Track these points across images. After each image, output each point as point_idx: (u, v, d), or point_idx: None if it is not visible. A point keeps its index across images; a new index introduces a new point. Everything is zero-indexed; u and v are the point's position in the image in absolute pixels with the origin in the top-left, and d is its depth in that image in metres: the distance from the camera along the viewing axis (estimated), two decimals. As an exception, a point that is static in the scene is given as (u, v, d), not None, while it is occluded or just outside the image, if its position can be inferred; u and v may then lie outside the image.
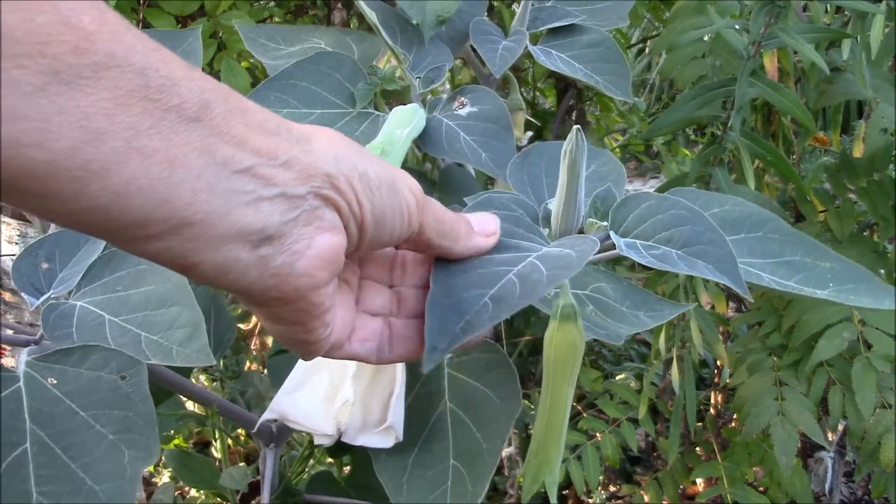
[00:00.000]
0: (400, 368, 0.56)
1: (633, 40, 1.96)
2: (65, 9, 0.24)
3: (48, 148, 0.24)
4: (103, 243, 0.60)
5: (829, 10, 0.90)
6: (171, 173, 0.26)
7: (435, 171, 0.83)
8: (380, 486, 0.81)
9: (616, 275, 0.68)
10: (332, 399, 0.55)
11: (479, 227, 0.41)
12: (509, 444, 1.24)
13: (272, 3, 1.34)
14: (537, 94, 1.95)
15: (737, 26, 0.83)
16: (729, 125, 0.84)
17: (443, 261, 0.40)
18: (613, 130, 1.97)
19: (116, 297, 0.57)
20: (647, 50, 2.10)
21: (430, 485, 0.55)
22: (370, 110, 0.68)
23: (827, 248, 0.43)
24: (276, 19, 1.34)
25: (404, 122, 0.58)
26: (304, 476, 0.87)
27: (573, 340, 0.42)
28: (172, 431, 1.26)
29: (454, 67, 1.22)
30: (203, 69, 1.24)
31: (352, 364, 0.54)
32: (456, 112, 0.68)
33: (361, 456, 0.87)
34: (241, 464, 1.28)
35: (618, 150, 1.94)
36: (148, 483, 1.35)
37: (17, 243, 1.32)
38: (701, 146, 0.98)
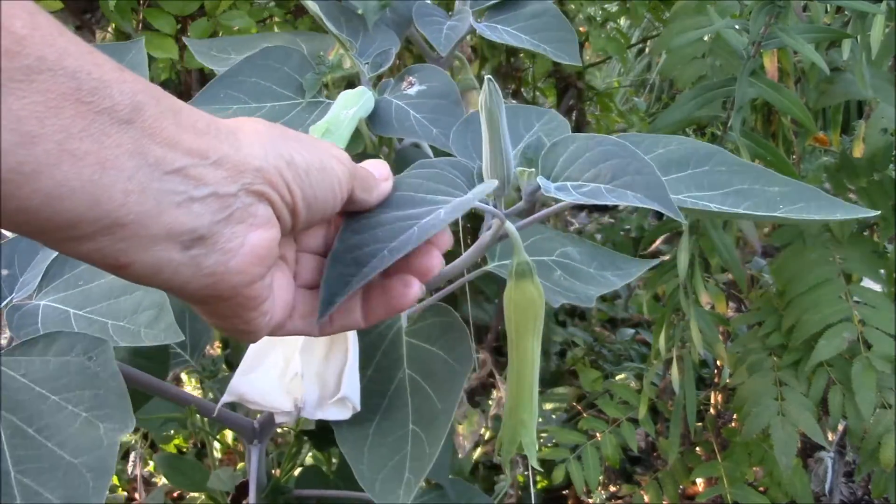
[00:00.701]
0: (352, 340, 0.56)
1: (633, 40, 1.97)
2: None
3: None
4: None
5: (829, 10, 0.90)
6: (103, 175, 0.27)
7: (392, 154, 0.84)
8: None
9: (581, 238, 0.68)
10: (287, 376, 0.55)
11: (378, 174, 0.41)
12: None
13: (272, 3, 1.34)
14: (537, 93, 1.95)
15: (737, 26, 0.83)
16: (729, 125, 0.84)
17: (350, 218, 0.40)
18: (613, 130, 1.97)
19: (79, 292, 0.58)
20: (647, 50, 2.10)
21: (390, 451, 0.56)
22: (320, 99, 0.69)
23: (775, 174, 0.43)
24: (277, 19, 1.34)
25: (350, 104, 0.58)
26: (294, 473, 0.87)
27: (531, 296, 0.42)
28: (172, 431, 1.25)
29: (404, 56, 1.22)
30: (203, 69, 1.24)
31: (299, 339, 0.55)
32: (405, 92, 0.69)
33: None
34: (241, 464, 1.28)
35: (618, 150, 1.94)
36: (148, 483, 1.35)
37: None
38: (701, 146, 0.98)
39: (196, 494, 1.16)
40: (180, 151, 0.29)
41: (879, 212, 0.39)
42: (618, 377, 1.53)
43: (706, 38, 0.94)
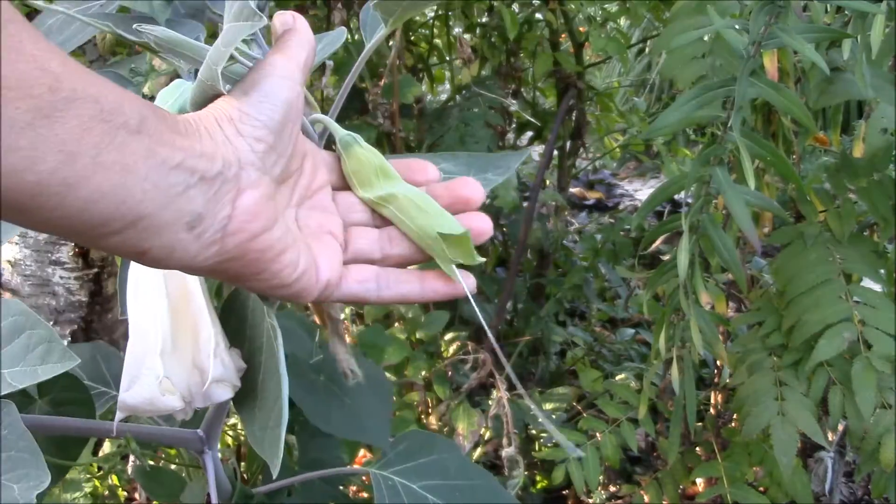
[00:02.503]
0: (212, 321, 0.56)
1: (633, 40, 1.96)
2: (38, 56, 0.30)
3: (36, 171, 0.30)
4: None
5: (829, 10, 0.90)
6: (126, 178, 0.33)
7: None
8: (329, 458, 0.85)
9: (454, 153, 0.70)
10: (159, 380, 0.56)
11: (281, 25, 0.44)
12: (509, 444, 1.24)
13: (272, 4, 1.33)
14: (537, 93, 1.95)
15: (737, 26, 0.83)
16: (729, 125, 0.84)
17: None
18: (613, 130, 1.97)
19: None
20: (647, 50, 2.10)
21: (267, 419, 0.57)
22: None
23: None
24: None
25: (167, 99, 0.59)
26: (260, 475, 0.88)
27: (363, 157, 0.46)
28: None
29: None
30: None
31: (158, 342, 0.55)
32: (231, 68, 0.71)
33: (302, 436, 0.91)
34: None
35: (618, 149, 1.94)
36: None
37: (16, 243, 1.32)
38: (701, 146, 0.98)
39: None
40: (177, 149, 0.35)
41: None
42: (618, 377, 1.53)
43: (706, 38, 0.94)
